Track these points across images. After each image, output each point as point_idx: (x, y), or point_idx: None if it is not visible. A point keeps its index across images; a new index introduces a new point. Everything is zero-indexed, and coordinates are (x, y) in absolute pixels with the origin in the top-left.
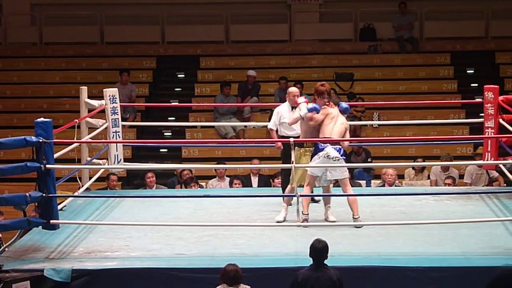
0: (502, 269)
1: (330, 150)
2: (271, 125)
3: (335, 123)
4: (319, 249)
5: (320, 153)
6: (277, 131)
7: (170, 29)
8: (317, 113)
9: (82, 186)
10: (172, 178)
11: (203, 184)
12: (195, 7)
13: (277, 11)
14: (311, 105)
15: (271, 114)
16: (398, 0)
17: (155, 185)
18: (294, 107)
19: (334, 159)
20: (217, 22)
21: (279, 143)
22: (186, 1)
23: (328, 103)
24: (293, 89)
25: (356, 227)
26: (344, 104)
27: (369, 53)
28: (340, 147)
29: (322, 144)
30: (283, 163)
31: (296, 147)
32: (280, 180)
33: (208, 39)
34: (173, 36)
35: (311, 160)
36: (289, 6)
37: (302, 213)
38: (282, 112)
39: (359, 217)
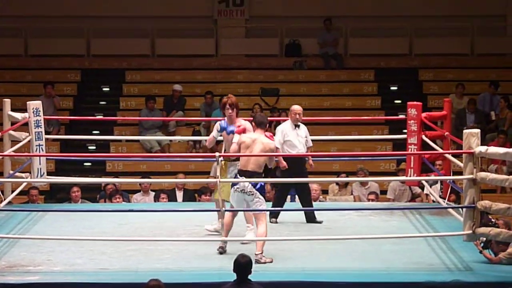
0: (424, 285)
1: (245, 184)
2: (276, 144)
3: (252, 151)
4: (243, 264)
5: (235, 187)
6: None
7: (96, 42)
8: (221, 131)
9: (4, 199)
10: (102, 192)
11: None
12: (121, 21)
13: (203, 26)
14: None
15: (194, 130)
16: (323, 17)
17: (80, 199)
18: (296, 125)
19: (248, 193)
20: (143, 36)
21: (284, 163)
22: (111, 14)
23: (231, 114)
24: (295, 107)
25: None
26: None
27: (295, 69)
28: (257, 180)
29: (239, 176)
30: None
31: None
32: (207, 197)
33: (134, 53)
34: (98, 49)
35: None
36: (215, 21)
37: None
38: (286, 131)
39: (261, 252)
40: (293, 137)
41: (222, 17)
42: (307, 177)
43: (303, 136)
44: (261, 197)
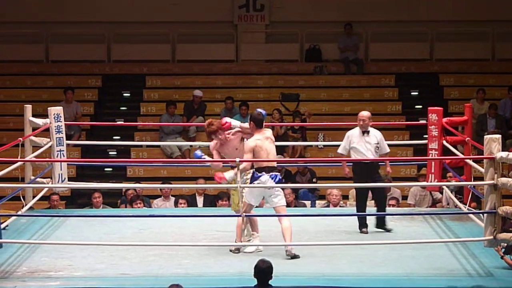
0: None
1: (266, 178)
2: (340, 149)
3: (267, 149)
4: (263, 269)
5: (255, 182)
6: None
7: (116, 47)
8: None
9: (26, 205)
10: (123, 197)
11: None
12: (142, 26)
13: (224, 31)
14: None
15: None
16: (343, 22)
17: (101, 205)
18: (364, 131)
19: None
20: (163, 41)
21: (346, 169)
22: (132, 20)
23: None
24: (361, 113)
25: (292, 257)
26: (199, 152)
27: (315, 74)
28: (277, 174)
29: (258, 173)
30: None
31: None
32: (224, 202)
33: (154, 58)
34: (119, 54)
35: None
36: (235, 26)
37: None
38: (353, 137)
39: (292, 249)
40: (360, 144)
41: (242, 22)
42: (381, 181)
43: (372, 142)
44: (280, 190)
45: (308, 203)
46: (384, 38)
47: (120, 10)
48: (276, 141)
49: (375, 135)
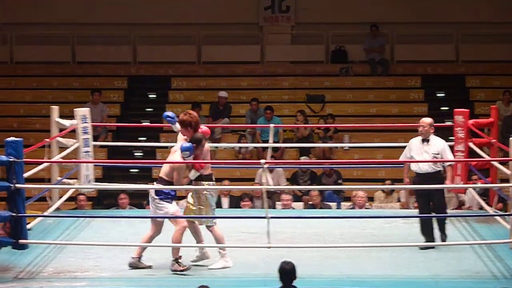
0: None
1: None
2: (401, 157)
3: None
4: (288, 271)
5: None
6: None
7: (142, 49)
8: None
9: (52, 205)
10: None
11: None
12: (167, 28)
13: (249, 33)
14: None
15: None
16: (369, 23)
17: (127, 206)
18: (424, 139)
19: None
20: (189, 43)
21: (406, 179)
22: (158, 22)
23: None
24: (423, 120)
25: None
26: (185, 144)
27: (341, 75)
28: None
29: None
30: (419, 197)
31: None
32: (246, 202)
33: (180, 60)
34: (145, 56)
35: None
36: (261, 28)
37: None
38: (412, 145)
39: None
40: (417, 153)
41: (267, 23)
42: (439, 194)
43: (431, 152)
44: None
45: (333, 204)
46: (410, 40)
47: (146, 12)
48: (300, 142)
49: (436, 144)
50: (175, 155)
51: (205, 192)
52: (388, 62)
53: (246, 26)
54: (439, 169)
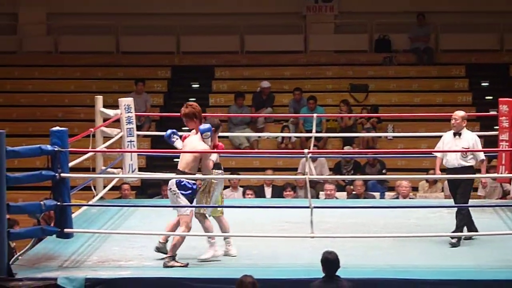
0: None
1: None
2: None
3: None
4: (332, 260)
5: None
6: None
7: (185, 39)
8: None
9: (97, 195)
10: None
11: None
12: (211, 18)
13: (292, 22)
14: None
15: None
16: (413, 12)
17: None
18: (456, 133)
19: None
20: (232, 33)
21: (438, 171)
22: (201, 12)
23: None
24: (456, 113)
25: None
26: (202, 126)
27: (384, 65)
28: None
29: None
30: (452, 187)
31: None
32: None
33: (223, 50)
34: (188, 46)
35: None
36: (304, 17)
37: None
38: (445, 138)
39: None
40: (448, 146)
41: (311, 13)
42: (463, 189)
43: (460, 146)
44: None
45: (377, 194)
46: (455, 29)
47: (190, 2)
48: (345, 132)
49: (467, 138)
50: (194, 144)
51: (214, 180)
52: (432, 51)
53: (289, 15)
54: (469, 164)
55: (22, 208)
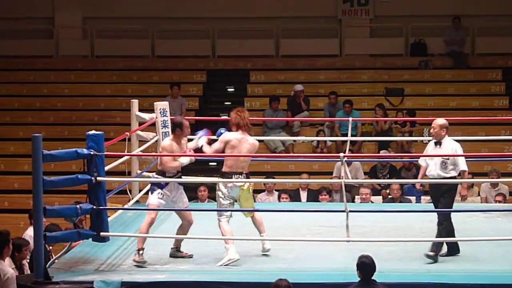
0: None
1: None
2: (420, 159)
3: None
4: (369, 264)
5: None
6: None
7: (221, 43)
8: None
9: (132, 198)
10: None
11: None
12: (246, 22)
13: (328, 26)
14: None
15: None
16: (449, 16)
17: (207, 199)
18: (436, 142)
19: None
20: (267, 37)
21: (418, 185)
22: (237, 16)
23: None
24: (435, 121)
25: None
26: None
27: (420, 68)
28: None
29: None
30: (434, 199)
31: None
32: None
33: (258, 53)
34: (223, 50)
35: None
36: (339, 21)
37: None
38: (428, 147)
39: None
40: (428, 157)
41: (346, 17)
42: (445, 203)
43: (439, 156)
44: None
45: (413, 198)
46: (490, 32)
47: (225, 6)
48: (380, 136)
49: (448, 148)
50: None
51: (230, 184)
52: (467, 55)
53: (324, 19)
54: (449, 175)
55: (58, 212)
